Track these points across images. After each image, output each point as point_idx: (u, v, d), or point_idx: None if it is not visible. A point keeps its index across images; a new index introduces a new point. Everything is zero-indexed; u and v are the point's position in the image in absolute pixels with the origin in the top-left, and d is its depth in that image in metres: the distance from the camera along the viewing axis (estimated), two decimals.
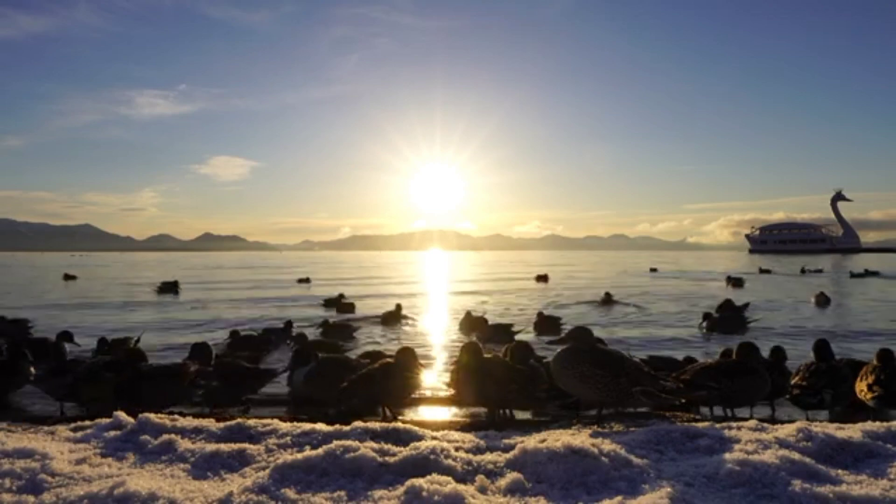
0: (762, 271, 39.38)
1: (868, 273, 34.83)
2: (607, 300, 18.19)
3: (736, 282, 26.36)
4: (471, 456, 3.08)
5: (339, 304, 16.70)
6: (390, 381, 4.80)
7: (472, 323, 11.46)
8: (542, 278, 30.59)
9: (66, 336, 6.70)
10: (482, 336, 10.04)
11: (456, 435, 3.52)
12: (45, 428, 3.80)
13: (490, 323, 11.38)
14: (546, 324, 11.72)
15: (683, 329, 12.45)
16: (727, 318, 12.22)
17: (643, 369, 4.25)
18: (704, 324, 12.07)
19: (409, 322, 13.67)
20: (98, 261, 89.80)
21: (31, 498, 2.58)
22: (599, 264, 61.66)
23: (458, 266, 61.39)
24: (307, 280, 30.64)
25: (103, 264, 68.78)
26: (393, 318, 13.54)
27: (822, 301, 17.87)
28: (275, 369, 6.07)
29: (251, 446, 3.27)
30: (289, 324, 10.64)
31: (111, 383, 4.88)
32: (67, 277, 33.64)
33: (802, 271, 38.57)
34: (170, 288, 23.66)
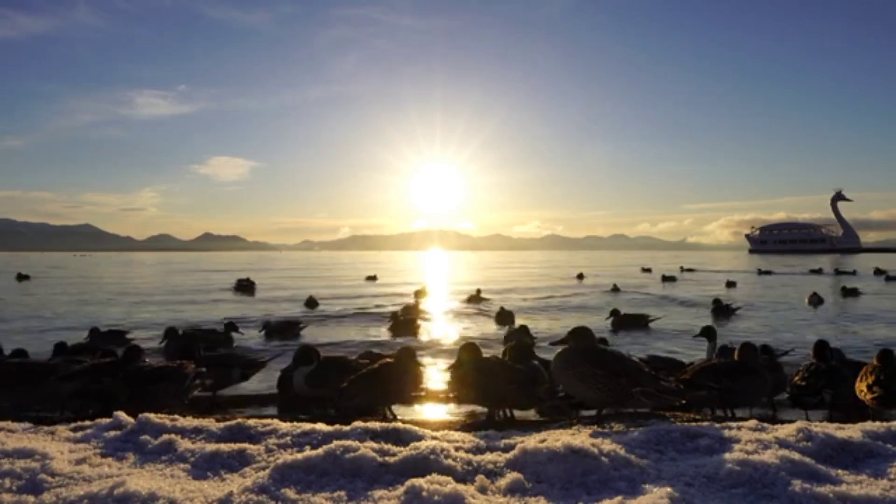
0: (683, 270, 43.87)
1: (813, 272, 38.80)
2: (615, 289, 24.29)
3: (729, 283, 26.94)
4: (471, 456, 3.08)
5: (477, 297, 20.76)
6: (390, 381, 4.80)
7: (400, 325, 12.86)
8: (580, 276, 35.93)
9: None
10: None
11: (456, 435, 3.52)
12: (45, 428, 3.79)
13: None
14: (503, 316, 14.28)
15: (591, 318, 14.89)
16: (630, 316, 13.46)
17: (643, 369, 4.25)
18: (610, 319, 13.15)
19: (488, 302, 19.14)
20: (97, 260, 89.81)
21: (31, 498, 2.58)
22: (609, 264, 62.93)
23: (486, 266, 63.50)
24: (374, 277, 33.85)
25: (95, 263, 68.76)
26: (475, 299, 19.47)
27: (815, 301, 18.21)
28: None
29: (251, 446, 3.26)
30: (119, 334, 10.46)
31: (111, 384, 4.88)
32: (21, 278, 32.79)
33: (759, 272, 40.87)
34: (246, 287, 25.25)
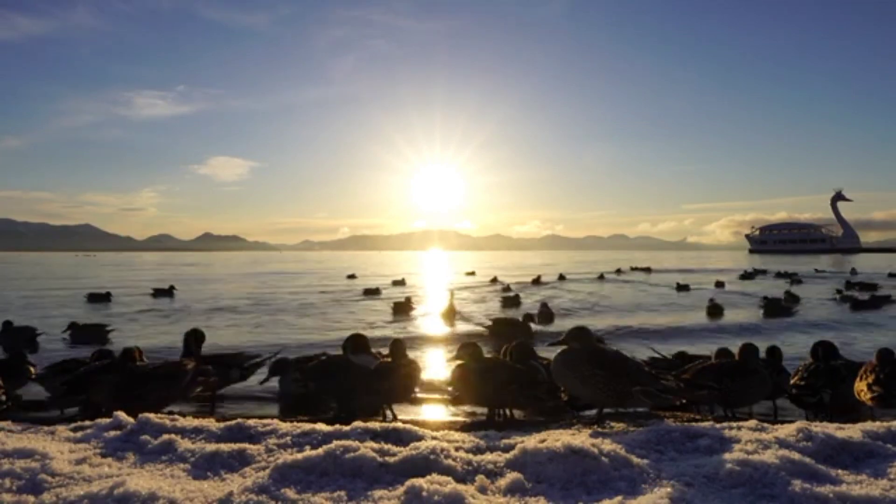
0: (575, 272, 45.60)
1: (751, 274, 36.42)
2: (601, 278, 32.46)
3: (718, 283, 26.65)
4: (471, 456, 3.08)
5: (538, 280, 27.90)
6: (390, 380, 4.80)
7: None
8: (618, 271, 41.65)
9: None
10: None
11: (456, 435, 3.52)
12: (45, 428, 3.79)
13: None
14: (501, 311, 16.85)
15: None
16: (544, 312, 14.80)
17: (643, 369, 4.25)
18: (533, 313, 14.53)
19: (551, 284, 28.41)
20: (96, 261, 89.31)
21: (31, 498, 2.58)
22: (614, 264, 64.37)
23: (509, 263, 66.82)
24: (473, 273, 39.82)
25: (79, 264, 67.99)
26: (538, 281, 28.73)
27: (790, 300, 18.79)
28: None
29: (251, 446, 3.26)
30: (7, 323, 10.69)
31: (110, 385, 4.88)
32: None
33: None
34: (399, 283, 28.50)
